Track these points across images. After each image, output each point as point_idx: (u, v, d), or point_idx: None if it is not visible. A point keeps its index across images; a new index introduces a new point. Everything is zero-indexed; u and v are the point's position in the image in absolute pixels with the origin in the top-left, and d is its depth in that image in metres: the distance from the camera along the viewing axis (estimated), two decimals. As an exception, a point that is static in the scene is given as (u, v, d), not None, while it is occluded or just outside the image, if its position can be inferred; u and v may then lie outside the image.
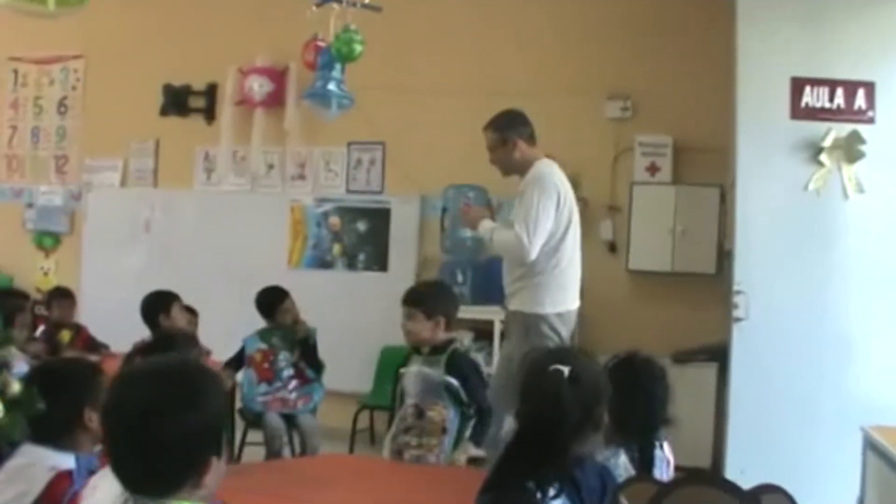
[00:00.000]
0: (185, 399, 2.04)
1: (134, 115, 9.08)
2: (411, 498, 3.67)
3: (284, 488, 3.71)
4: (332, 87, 6.01)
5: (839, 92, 5.81)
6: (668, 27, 7.64)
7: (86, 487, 2.45)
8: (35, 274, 9.35)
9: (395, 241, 8.35)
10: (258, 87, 8.58)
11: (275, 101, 8.61)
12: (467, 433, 4.53)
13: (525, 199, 5.28)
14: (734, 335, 5.89)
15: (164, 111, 9.08)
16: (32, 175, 9.53)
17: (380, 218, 8.39)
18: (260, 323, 6.44)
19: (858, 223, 5.81)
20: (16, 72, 9.56)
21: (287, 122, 8.57)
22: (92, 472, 2.62)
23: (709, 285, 7.32)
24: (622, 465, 3.19)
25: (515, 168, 5.50)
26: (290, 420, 6.28)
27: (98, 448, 2.94)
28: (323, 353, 6.45)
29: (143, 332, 5.80)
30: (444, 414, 4.49)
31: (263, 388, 6.29)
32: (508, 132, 5.44)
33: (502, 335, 6.82)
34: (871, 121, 5.82)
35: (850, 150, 5.76)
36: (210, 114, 8.99)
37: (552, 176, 5.40)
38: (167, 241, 8.89)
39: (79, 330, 7.23)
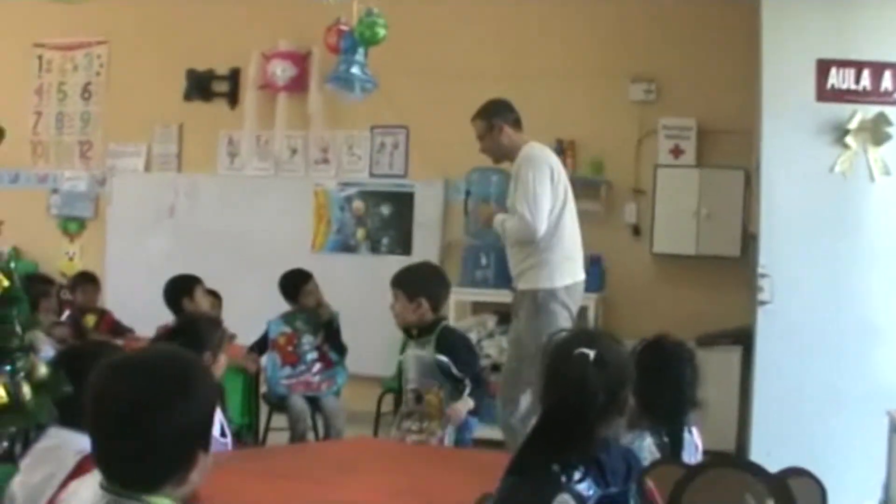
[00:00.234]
0: (174, 392, 1.99)
1: (157, 100, 9.09)
2: (434, 480, 3.67)
3: (309, 471, 3.72)
4: (355, 70, 6.00)
5: (865, 73, 5.76)
6: (692, 9, 7.60)
7: (65, 491, 2.44)
8: (60, 259, 9.39)
9: (418, 224, 8.36)
10: (281, 71, 8.58)
11: (298, 85, 8.61)
12: (467, 391, 4.53)
13: (520, 180, 5.47)
14: (759, 318, 5.86)
15: (188, 96, 9.09)
16: (57, 161, 9.55)
17: (403, 202, 8.40)
18: (284, 307, 6.47)
19: (884, 206, 5.77)
20: (40, 58, 9.58)
21: (310, 107, 8.57)
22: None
23: (733, 269, 7.31)
24: (647, 448, 3.18)
25: (504, 153, 5.72)
26: (314, 403, 6.31)
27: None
28: (347, 337, 6.47)
29: (167, 317, 5.83)
30: (441, 395, 4.52)
31: (287, 371, 6.31)
32: (495, 119, 5.66)
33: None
34: (897, 102, 5.78)
35: (877, 132, 5.72)
36: (233, 98, 9.00)
37: (542, 154, 5.61)
38: (191, 225, 8.91)
39: (103, 314, 7.26)
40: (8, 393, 1.90)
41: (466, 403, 4.49)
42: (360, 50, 6.01)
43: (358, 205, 8.52)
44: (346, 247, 8.56)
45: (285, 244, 8.41)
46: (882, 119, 5.70)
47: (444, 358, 4.52)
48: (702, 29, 7.57)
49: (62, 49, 9.53)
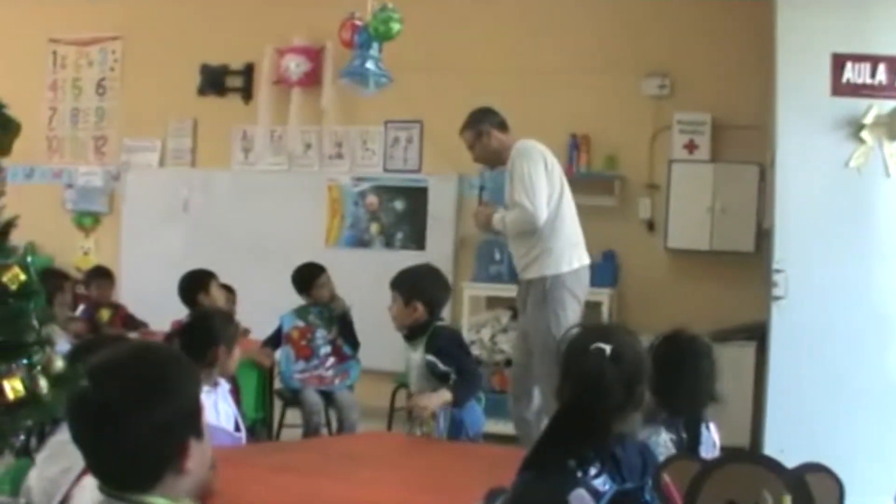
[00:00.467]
0: (149, 391, 1.95)
1: (171, 95, 9.11)
2: (447, 475, 3.67)
3: (322, 466, 3.72)
4: (369, 65, 6.00)
5: (881, 68, 5.74)
6: (706, 3, 7.58)
7: (77, 486, 2.44)
8: (75, 254, 9.41)
9: (432, 219, 8.37)
10: (295, 66, 8.59)
11: (312, 80, 8.62)
12: (449, 384, 4.42)
13: (515, 173, 5.52)
14: (773, 314, 5.85)
15: (202, 91, 9.10)
16: (72, 156, 9.57)
17: (417, 197, 8.40)
18: (297, 302, 6.47)
19: (900, 201, 5.76)
20: (55, 53, 9.60)
21: (324, 101, 8.58)
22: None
23: (748, 264, 7.29)
24: (662, 443, 3.18)
25: (497, 156, 5.80)
26: (327, 397, 6.32)
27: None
28: (360, 331, 6.48)
29: (181, 311, 5.84)
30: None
31: (301, 365, 6.32)
32: (480, 125, 5.75)
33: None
34: (914, 97, 5.76)
35: (892, 126, 5.69)
36: (247, 93, 9.01)
37: (533, 146, 5.65)
38: (205, 220, 8.93)
39: (118, 309, 7.30)
40: (25, 387, 1.91)
41: (440, 396, 4.35)
42: (375, 45, 6.00)
43: (372, 200, 8.53)
44: (360, 242, 8.57)
45: (299, 239, 8.42)
46: (898, 114, 5.69)
47: (431, 358, 4.47)
48: (716, 23, 7.55)
49: (77, 45, 9.55)
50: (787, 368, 5.80)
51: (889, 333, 5.72)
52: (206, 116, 9.12)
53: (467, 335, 7.53)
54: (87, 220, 9.52)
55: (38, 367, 1.96)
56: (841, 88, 5.77)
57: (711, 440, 3.38)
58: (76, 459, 2.80)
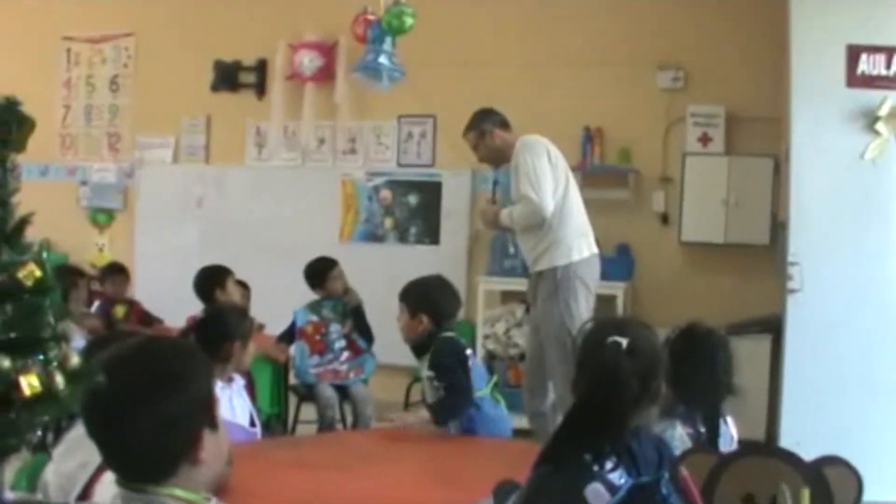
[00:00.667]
0: (156, 383, 1.95)
1: (185, 91, 9.12)
2: (463, 470, 3.68)
3: (337, 460, 3.73)
4: (382, 60, 5.99)
5: (897, 59, 5.72)
6: (720, -5, 7.57)
7: (98, 481, 2.44)
8: (90, 250, 9.43)
9: (446, 214, 8.36)
10: (308, 61, 8.59)
11: (325, 75, 8.61)
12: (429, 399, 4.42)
13: (519, 167, 5.56)
14: (789, 307, 5.84)
15: (215, 87, 9.11)
16: (86, 153, 9.59)
17: (431, 191, 8.40)
18: (312, 297, 6.48)
19: (916, 193, 5.73)
20: (69, 51, 9.61)
21: (337, 96, 8.57)
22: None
23: (762, 257, 7.28)
24: (678, 436, 3.17)
25: (500, 154, 5.84)
26: (342, 391, 6.32)
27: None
28: (375, 326, 6.47)
29: (195, 307, 5.84)
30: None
31: (315, 359, 6.33)
32: (483, 125, 5.81)
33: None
34: (929, 88, 5.73)
35: (908, 118, 5.68)
36: (260, 89, 9.01)
37: (535, 140, 5.71)
38: (219, 216, 8.95)
39: (133, 305, 7.32)
40: (41, 382, 1.91)
41: (417, 415, 4.38)
42: (388, 39, 6.00)
43: (385, 194, 8.53)
44: (374, 237, 8.57)
45: (313, 234, 8.42)
46: (913, 105, 5.67)
47: (429, 373, 4.41)
48: (730, 15, 7.53)
49: (90, 42, 9.56)
50: (802, 361, 5.79)
51: (905, 326, 5.71)
52: (220, 112, 9.13)
53: (482, 329, 7.54)
54: (102, 217, 9.54)
55: (55, 363, 1.96)
56: (856, 80, 5.75)
57: (730, 434, 3.38)
58: (92, 454, 2.79)
